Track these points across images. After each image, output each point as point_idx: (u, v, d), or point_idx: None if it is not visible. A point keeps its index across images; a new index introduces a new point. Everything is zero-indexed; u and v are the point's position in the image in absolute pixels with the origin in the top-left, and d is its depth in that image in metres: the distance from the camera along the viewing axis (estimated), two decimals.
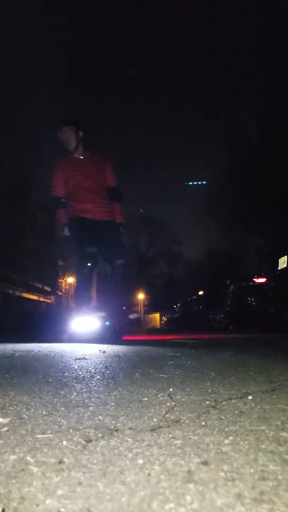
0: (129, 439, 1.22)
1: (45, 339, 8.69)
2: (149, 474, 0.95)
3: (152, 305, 49.67)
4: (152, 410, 1.59)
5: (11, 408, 1.68)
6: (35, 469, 0.99)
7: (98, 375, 2.64)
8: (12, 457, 1.08)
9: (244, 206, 27.48)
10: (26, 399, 1.86)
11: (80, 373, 2.78)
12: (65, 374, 2.73)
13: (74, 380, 2.43)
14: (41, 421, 1.46)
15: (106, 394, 1.96)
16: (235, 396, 1.82)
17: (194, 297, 22.36)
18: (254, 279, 12.33)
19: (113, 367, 3.07)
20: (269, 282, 11.03)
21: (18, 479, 0.93)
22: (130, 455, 1.08)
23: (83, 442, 1.21)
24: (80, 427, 1.37)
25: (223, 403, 1.69)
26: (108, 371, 2.84)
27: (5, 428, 1.37)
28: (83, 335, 6.74)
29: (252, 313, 11.71)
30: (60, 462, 1.04)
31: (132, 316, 9.73)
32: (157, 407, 1.64)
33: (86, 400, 1.81)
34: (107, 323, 6.97)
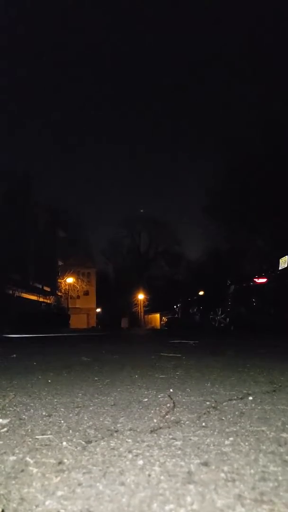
0: (129, 440, 1.22)
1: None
2: (149, 475, 0.94)
3: (152, 305, 49.72)
4: (152, 411, 1.58)
5: (10, 409, 1.68)
6: (34, 470, 0.99)
7: (98, 375, 2.64)
8: (12, 458, 1.08)
9: (244, 206, 27.50)
10: (26, 400, 1.86)
11: (80, 373, 2.78)
12: (64, 374, 2.73)
13: (74, 381, 2.43)
14: (40, 422, 1.46)
15: (105, 394, 1.96)
16: (235, 397, 1.82)
17: (194, 297, 22.35)
18: (254, 280, 12.33)
19: (112, 367, 3.07)
20: (270, 282, 11.03)
21: (18, 480, 0.93)
22: (130, 456, 1.08)
23: (83, 443, 1.20)
24: (80, 428, 1.36)
25: (224, 403, 1.69)
26: (107, 371, 2.83)
27: (5, 429, 1.37)
28: None
29: (252, 313, 11.71)
30: (60, 463, 1.04)
31: None
32: (157, 408, 1.64)
33: (86, 401, 1.81)
34: None
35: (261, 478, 0.92)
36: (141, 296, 51.55)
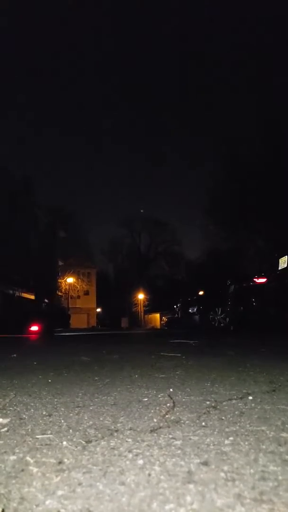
0: (129, 440, 1.22)
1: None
2: (149, 475, 0.95)
3: (152, 305, 49.73)
4: (152, 411, 1.59)
5: (11, 408, 1.68)
6: (35, 470, 0.99)
7: (98, 375, 2.64)
8: (12, 458, 1.08)
9: (244, 206, 27.50)
10: (26, 400, 1.86)
11: (80, 373, 2.78)
12: (65, 374, 2.73)
13: (74, 381, 2.43)
14: (41, 421, 1.46)
15: (105, 394, 1.96)
16: (235, 397, 1.82)
17: (194, 297, 22.34)
18: (254, 279, 12.33)
19: (112, 367, 3.07)
20: (270, 282, 11.02)
21: (18, 480, 0.93)
22: (130, 455, 1.08)
23: (83, 442, 1.20)
24: (80, 428, 1.37)
25: (224, 403, 1.69)
26: (108, 371, 2.84)
27: (5, 429, 1.37)
28: None
29: (252, 313, 11.72)
30: (60, 462, 1.04)
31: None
32: (157, 408, 1.64)
33: (86, 401, 1.81)
34: None
35: (261, 477, 0.92)
36: (141, 296, 51.54)
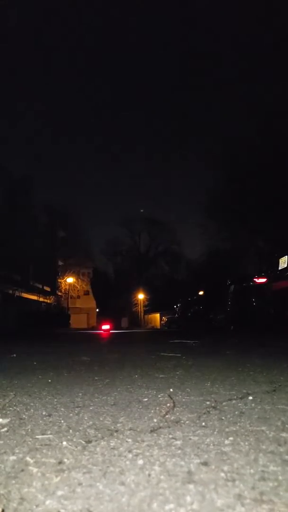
0: (129, 440, 1.22)
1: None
2: (149, 475, 0.94)
3: (152, 305, 49.75)
4: (152, 411, 1.59)
5: (11, 408, 1.68)
6: (35, 470, 0.99)
7: (98, 375, 2.64)
8: (12, 458, 1.08)
9: (244, 206, 27.50)
10: (26, 400, 1.86)
11: (80, 373, 2.78)
12: (65, 374, 2.74)
13: (74, 381, 2.43)
14: (41, 421, 1.46)
15: (105, 394, 1.96)
16: (235, 397, 1.82)
17: (194, 297, 22.35)
18: (254, 279, 12.35)
19: (112, 367, 3.07)
20: (270, 282, 11.03)
21: (18, 480, 0.93)
22: (130, 455, 1.08)
23: (83, 442, 1.20)
24: (80, 428, 1.36)
25: (224, 403, 1.69)
26: (108, 371, 2.84)
27: (5, 429, 1.37)
28: None
29: (252, 313, 11.74)
30: (60, 462, 1.04)
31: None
32: (157, 408, 1.64)
33: (86, 401, 1.81)
34: None
35: (261, 477, 0.92)
36: (141, 296, 51.56)
